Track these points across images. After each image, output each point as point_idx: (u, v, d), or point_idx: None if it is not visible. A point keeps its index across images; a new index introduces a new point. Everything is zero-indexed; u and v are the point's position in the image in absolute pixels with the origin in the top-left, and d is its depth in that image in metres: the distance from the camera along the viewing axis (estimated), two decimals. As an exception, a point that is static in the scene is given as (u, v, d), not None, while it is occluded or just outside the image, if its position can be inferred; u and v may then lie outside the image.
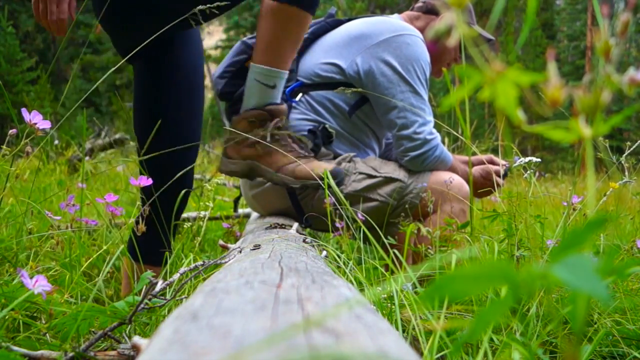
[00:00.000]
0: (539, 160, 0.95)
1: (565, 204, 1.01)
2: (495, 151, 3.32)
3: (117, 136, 3.96)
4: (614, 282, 0.84)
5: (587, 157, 0.22)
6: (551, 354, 0.71)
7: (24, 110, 0.73)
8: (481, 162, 1.54)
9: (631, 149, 1.11)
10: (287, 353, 0.27)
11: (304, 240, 0.98)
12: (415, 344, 0.62)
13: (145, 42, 1.05)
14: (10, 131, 0.76)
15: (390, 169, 1.47)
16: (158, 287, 0.71)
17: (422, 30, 1.57)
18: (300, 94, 1.53)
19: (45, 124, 0.75)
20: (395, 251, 0.92)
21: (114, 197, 0.99)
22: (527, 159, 0.96)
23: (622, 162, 1.15)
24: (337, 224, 1.18)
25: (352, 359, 0.27)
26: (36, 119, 0.74)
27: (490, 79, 0.21)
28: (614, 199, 1.11)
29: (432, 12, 1.64)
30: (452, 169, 1.52)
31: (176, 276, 0.78)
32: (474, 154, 1.44)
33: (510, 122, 0.24)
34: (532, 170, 0.95)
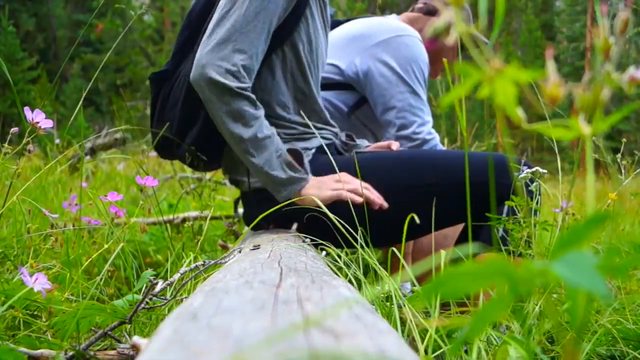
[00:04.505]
0: (544, 171, 0.93)
1: (558, 210, 1.01)
2: (494, 150, 3.32)
3: (117, 135, 3.95)
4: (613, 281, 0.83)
5: (586, 155, 0.22)
6: (550, 352, 0.71)
7: (26, 109, 0.73)
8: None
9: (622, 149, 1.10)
10: (286, 353, 0.27)
11: (303, 240, 0.98)
12: (414, 344, 0.62)
13: None
14: (12, 130, 0.76)
15: (390, 169, 1.47)
16: (158, 287, 0.71)
17: (421, 31, 1.57)
18: None
19: (47, 123, 0.75)
20: (395, 249, 0.92)
21: (117, 196, 0.98)
22: (534, 169, 0.93)
23: (618, 161, 1.14)
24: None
25: (352, 359, 0.27)
26: (39, 118, 0.74)
27: (489, 76, 0.21)
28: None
29: (432, 13, 1.64)
30: None
31: (176, 276, 0.78)
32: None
33: (510, 121, 0.24)
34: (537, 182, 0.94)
